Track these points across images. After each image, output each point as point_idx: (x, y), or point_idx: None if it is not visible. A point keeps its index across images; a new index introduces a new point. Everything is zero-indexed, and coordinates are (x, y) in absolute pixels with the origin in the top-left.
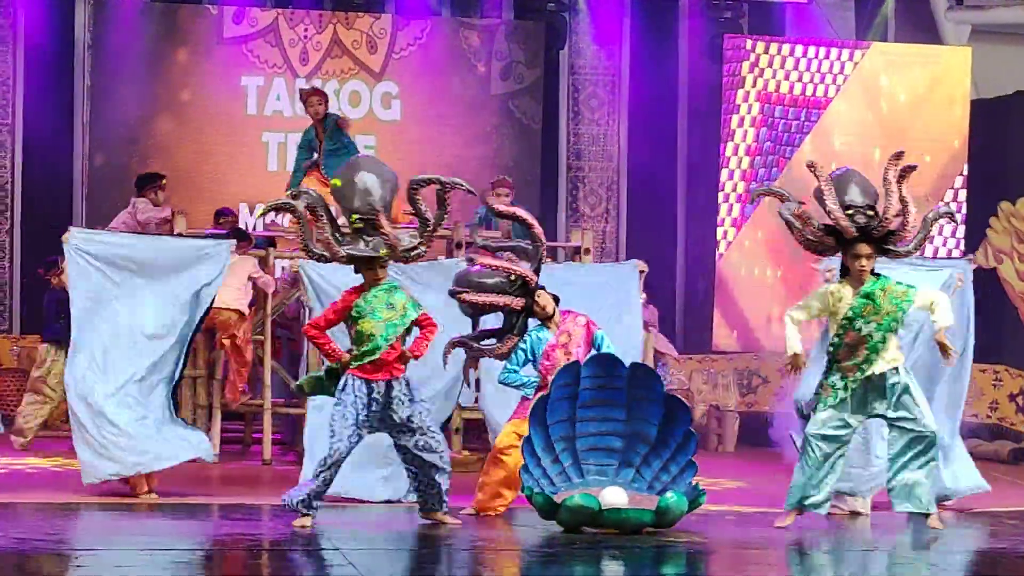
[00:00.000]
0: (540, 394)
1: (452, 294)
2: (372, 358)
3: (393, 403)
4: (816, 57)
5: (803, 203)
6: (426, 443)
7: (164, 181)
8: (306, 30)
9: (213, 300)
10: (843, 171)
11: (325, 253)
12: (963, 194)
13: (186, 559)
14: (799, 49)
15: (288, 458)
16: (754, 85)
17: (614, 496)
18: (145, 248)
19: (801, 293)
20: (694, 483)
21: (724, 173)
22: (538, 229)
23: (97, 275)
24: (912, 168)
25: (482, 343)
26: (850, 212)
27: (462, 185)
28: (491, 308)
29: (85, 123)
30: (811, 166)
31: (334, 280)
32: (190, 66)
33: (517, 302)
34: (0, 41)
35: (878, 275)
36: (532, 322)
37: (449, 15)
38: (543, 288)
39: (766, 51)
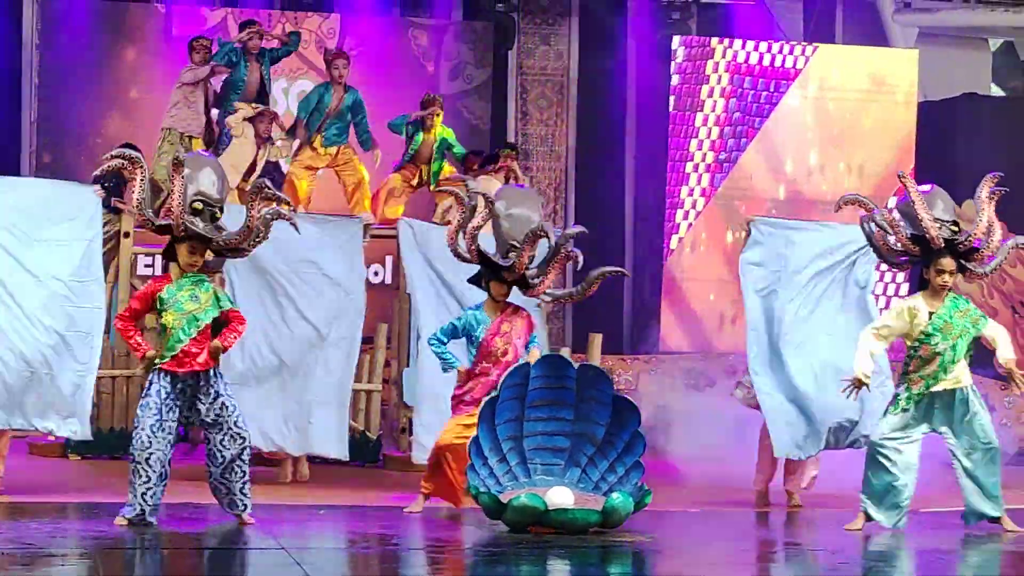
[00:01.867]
0: (490, 394)
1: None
2: (173, 353)
3: (199, 396)
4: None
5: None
6: (230, 440)
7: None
8: None
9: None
10: (931, 188)
11: (155, 221)
12: None
13: (132, 559)
14: (750, 44)
15: None
16: (723, 56)
17: (560, 496)
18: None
19: None
20: (640, 484)
21: (693, 143)
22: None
23: None
24: (1001, 190)
25: None
26: (937, 225)
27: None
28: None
29: (33, 122)
30: (902, 177)
31: None
32: (139, 65)
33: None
34: None
35: (955, 294)
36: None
37: (398, 15)
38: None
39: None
